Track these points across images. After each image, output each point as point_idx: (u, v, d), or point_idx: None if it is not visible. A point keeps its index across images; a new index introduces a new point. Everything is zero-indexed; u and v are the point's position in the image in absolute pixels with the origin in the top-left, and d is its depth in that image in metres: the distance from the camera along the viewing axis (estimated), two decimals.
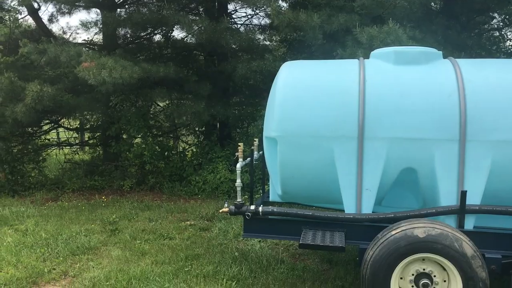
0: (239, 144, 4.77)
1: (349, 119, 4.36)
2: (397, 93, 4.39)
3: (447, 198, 4.25)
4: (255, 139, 5.58)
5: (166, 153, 10.79)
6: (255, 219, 4.58)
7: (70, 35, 14.73)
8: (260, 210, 4.49)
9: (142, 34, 12.58)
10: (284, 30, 8.37)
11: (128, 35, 12.86)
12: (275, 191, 5.06)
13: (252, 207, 4.53)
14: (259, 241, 6.50)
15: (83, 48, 9.60)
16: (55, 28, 15.33)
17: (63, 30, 15.06)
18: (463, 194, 4.12)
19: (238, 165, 4.60)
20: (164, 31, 12.35)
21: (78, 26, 14.96)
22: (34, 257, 6.05)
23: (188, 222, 7.75)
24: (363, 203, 4.39)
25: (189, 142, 12.63)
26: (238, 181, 4.60)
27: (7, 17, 11.35)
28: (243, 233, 4.66)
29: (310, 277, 5.25)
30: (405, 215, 4.21)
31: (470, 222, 4.23)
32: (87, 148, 11.60)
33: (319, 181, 4.54)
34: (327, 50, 8.87)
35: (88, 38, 14.14)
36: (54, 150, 11.91)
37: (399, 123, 4.31)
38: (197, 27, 9.74)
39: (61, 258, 6.00)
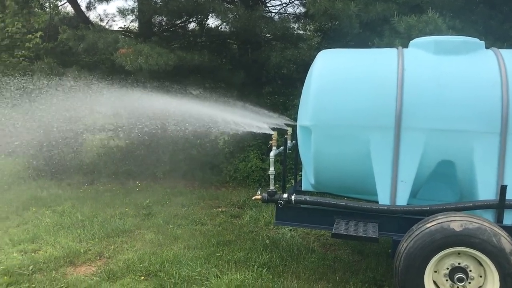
0: (272, 132, 4.76)
1: (386, 109, 4.29)
2: (437, 83, 4.29)
3: (486, 192, 4.15)
4: (288, 128, 5.57)
5: (198, 141, 10.87)
6: (287, 207, 4.58)
7: (106, 23, 15.00)
8: (293, 199, 4.48)
9: (177, 22, 12.70)
10: (320, 18, 8.27)
11: (163, 23, 13.00)
12: (307, 181, 5.04)
13: (285, 195, 4.53)
14: (290, 230, 6.51)
15: (120, 35, 9.73)
16: (92, 15, 15.60)
17: (100, 18, 15.32)
18: (503, 189, 4.01)
19: (272, 154, 4.60)
20: (199, 19, 12.42)
21: (114, 13, 15.16)
22: (70, 237, 6.24)
23: (220, 209, 7.83)
24: (398, 194, 4.33)
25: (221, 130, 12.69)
26: (272, 169, 4.60)
27: (47, 3, 11.65)
28: (275, 221, 4.67)
29: (341, 268, 5.23)
30: (441, 208, 4.14)
31: (509, 218, 4.11)
32: (121, 134, 11.78)
33: (353, 172, 4.50)
34: (363, 39, 8.73)
35: (124, 25, 14.37)
36: (90, 136, 12.17)
37: (438, 114, 4.21)
38: (232, 15, 9.74)
39: (97, 240, 6.17)
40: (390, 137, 4.29)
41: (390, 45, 7.54)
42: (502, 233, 3.70)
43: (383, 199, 4.37)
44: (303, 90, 4.99)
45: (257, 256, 5.46)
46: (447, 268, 3.85)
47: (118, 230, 6.53)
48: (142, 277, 4.93)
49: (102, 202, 8.19)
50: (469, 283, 3.81)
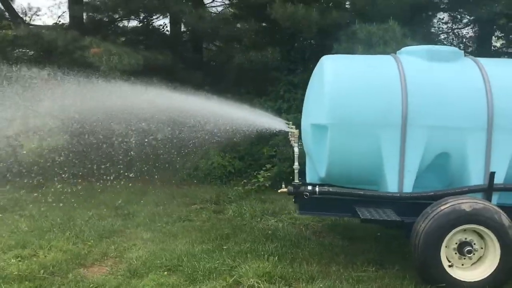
0: (293, 131, 5.17)
1: (394, 109, 4.91)
2: (434, 87, 5.02)
3: (476, 178, 4.95)
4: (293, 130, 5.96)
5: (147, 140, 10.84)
6: (308, 198, 5.03)
7: (31, 18, 14.22)
8: (317, 190, 4.95)
9: (116, 17, 12.52)
10: (284, 23, 8.80)
11: (97, 19, 12.73)
12: (314, 174, 5.52)
13: (309, 187, 4.98)
14: (276, 221, 6.99)
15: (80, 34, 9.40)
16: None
17: (23, 12, 14.47)
18: (492, 175, 4.83)
19: (296, 150, 5.01)
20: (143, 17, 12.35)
21: (39, 7, 14.42)
22: (63, 240, 6.10)
23: (196, 206, 8.04)
24: (405, 183, 4.99)
25: None
26: (296, 164, 5.02)
27: None
28: (298, 211, 5.12)
29: (340, 251, 5.77)
30: (444, 193, 4.87)
31: (495, 199, 4.95)
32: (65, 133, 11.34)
33: (363, 165, 5.07)
34: (320, 44, 9.43)
35: (59, 21, 13.74)
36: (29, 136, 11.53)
37: (437, 113, 4.93)
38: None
39: (92, 241, 6.11)
40: (398, 133, 4.93)
41: (349, 49, 8.30)
42: (501, 211, 4.50)
43: (392, 187, 5.01)
44: (309, 92, 5.50)
45: (262, 246, 5.83)
46: (456, 243, 4.57)
47: (109, 231, 6.52)
48: (165, 272, 5.07)
49: (69, 205, 7.94)
50: (473, 254, 4.57)
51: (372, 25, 8.03)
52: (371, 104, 4.96)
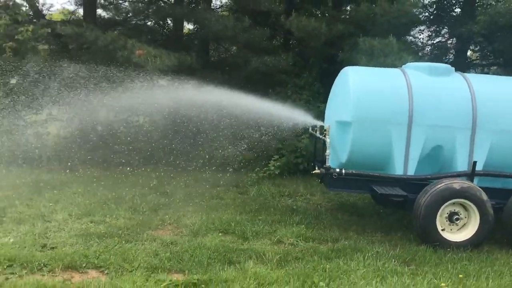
0: (326, 126, 6.59)
1: (403, 111, 6.40)
2: (432, 95, 6.52)
3: (461, 165, 6.48)
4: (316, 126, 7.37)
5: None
6: (334, 178, 6.46)
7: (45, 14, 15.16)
8: (343, 172, 6.39)
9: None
10: (298, 33, 10.23)
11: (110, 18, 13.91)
12: (335, 160, 6.93)
13: (337, 169, 6.41)
14: (293, 201, 8.41)
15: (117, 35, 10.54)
16: None
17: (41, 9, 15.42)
18: (474, 163, 6.37)
19: (328, 140, 6.43)
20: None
21: (52, 4, 15.47)
22: (123, 211, 7.31)
23: (221, 188, 9.33)
24: (408, 168, 6.48)
25: None
26: (328, 151, 6.44)
27: None
28: (329, 188, 6.55)
29: (352, 223, 7.22)
30: (438, 176, 6.38)
31: (475, 181, 6.49)
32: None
33: (377, 153, 6.53)
34: (326, 52, 10.89)
35: (72, 17, 14.76)
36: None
37: (434, 115, 6.43)
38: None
39: (147, 212, 7.36)
40: (405, 129, 6.41)
41: (351, 58, 9.77)
42: (481, 190, 6.03)
43: (399, 171, 6.48)
44: (331, 96, 6.97)
45: (289, 218, 7.22)
46: (447, 213, 6.09)
47: (158, 204, 7.75)
48: (220, 234, 6.40)
49: (109, 185, 9.07)
50: (459, 221, 6.09)
51: (374, 39, 9.49)
52: (386, 106, 6.43)
